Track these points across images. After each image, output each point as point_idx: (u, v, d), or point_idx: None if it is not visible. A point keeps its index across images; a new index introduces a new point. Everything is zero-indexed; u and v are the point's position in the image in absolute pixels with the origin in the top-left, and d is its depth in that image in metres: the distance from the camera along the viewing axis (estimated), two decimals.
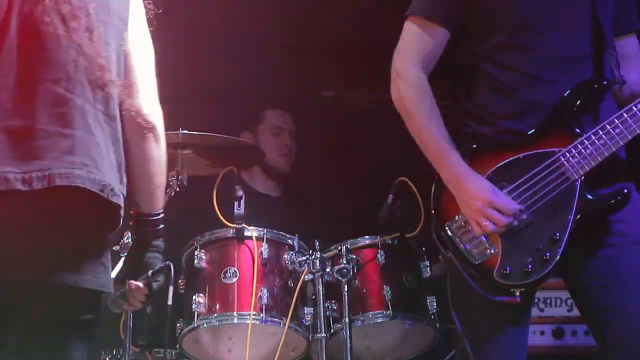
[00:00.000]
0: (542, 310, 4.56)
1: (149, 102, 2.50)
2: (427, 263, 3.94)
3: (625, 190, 2.92)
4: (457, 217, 2.99)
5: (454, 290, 3.04)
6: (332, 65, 5.08)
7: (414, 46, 3.11)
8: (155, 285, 2.60)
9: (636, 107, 2.91)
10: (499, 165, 2.99)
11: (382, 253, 3.92)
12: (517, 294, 2.90)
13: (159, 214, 2.57)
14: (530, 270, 2.89)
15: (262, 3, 4.91)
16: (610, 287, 2.95)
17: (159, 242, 2.59)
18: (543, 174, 2.95)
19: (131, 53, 2.49)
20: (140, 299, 2.61)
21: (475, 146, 3.05)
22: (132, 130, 2.46)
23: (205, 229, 3.93)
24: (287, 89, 5.11)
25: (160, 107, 2.59)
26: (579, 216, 2.90)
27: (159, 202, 2.56)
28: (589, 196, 2.93)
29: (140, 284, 2.56)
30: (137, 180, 2.49)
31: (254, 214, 3.98)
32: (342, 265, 3.83)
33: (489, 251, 2.94)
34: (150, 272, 2.56)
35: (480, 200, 2.91)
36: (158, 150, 2.50)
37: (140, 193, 2.52)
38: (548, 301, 4.59)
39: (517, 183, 2.96)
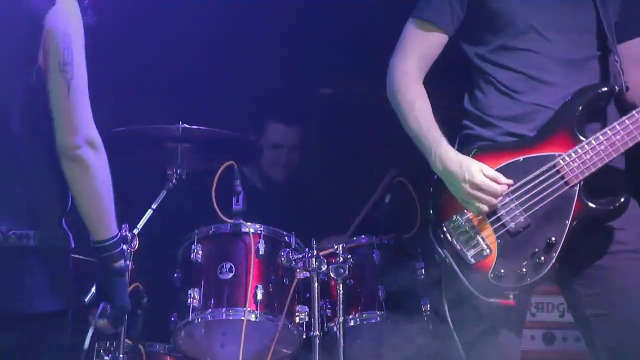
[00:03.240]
0: (533, 315, 4.58)
1: (72, 134, 2.44)
2: (422, 264, 3.95)
3: (623, 199, 2.94)
4: (454, 217, 3.00)
5: (448, 290, 3.05)
6: (330, 63, 5.07)
7: (409, 46, 3.17)
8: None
9: (638, 114, 2.93)
10: (498, 167, 3.00)
11: (378, 253, 3.95)
12: (511, 296, 2.91)
13: (111, 239, 2.56)
14: (524, 273, 2.91)
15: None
16: (605, 295, 2.97)
17: (119, 265, 2.59)
18: (542, 178, 2.96)
19: (49, 88, 2.43)
20: (109, 332, 2.71)
21: (475, 147, 3.07)
22: (64, 165, 2.46)
23: (203, 224, 3.94)
24: (285, 85, 5.11)
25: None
26: (575, 222, 2.92)
27: (109, 228, 2.55)
28: (587, 202, 2.94)
29: (103, 321, 2.62)
30: (81, 211, 2.51)
31: (253, 210, 3.99)
32: (338, 264, 3.83)
33: (484, 252, 2.95)
34: (109, 307, 2.61)
35: (467, 183, 2.94)
36: (90, 180, 2.47)
37: (87, 222, 2.53)
38: (540, 306, 4.61)
39: (516, 186, 2.97)
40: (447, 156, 3.01)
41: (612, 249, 2.98)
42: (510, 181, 2.95)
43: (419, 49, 3.17)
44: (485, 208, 2.94)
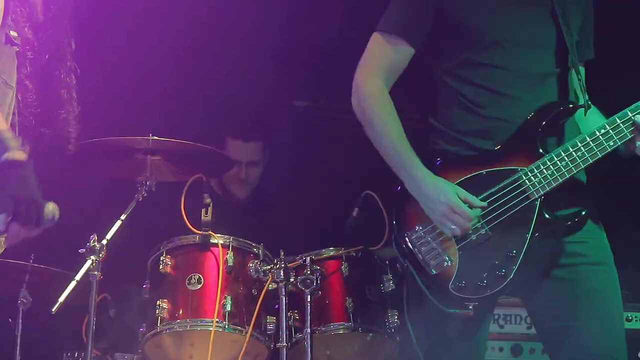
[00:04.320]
0: (501, 326, 4.63)
1: None
2: (390, 276, 3.97)
3: (583, 213, 2.98)
4: (416, 228, 3.04)
5: (410, 300, 3.10)
6: (305, 75, 5.12)
7: (376, 59, 3.18)
8: None
9: (599, 132, 2.97)
10: (461, 179, 3.04)
11: (346, 265, 3.98)
12: (471, 307, 2.95)
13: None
14: (484, 285, 2.95)
15: (236, 11, 4.95)
16: (566, 307, 3.00)
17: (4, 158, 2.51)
18: (504, 191, 3.00)
19: None
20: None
21: (439, 160, 3.10)
22: None
23: (172, 235, 3.96)
24: (260, 96, 5.15)
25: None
26: (536, 234, 2.96)
27: None
28: (547, 216, 2.98)
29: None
30: None
31: (222, 221, 4.02)
32: (306, 275, 3.87)
33: (446, 263, 2.99)
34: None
35: (444, 205, 2.96)
36: None
37: None
38: (508, 318, 4.65)
39: (478, 198, 2.99)
40: (423, 178, 3.03)
41: (572, 261, 3.02)
42: (484, 204, 2.98)
43: (385, 62, 3.18)
44: (458, 231, 2.96)
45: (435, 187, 3.00)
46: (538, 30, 3.13)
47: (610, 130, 2.96)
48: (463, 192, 2.98)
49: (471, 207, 2.97)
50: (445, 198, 2.96)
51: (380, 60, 3.18)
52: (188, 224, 3.89)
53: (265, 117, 4.99)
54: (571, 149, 2.99)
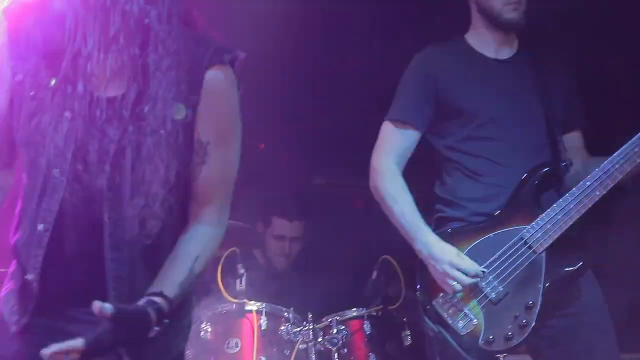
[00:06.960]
0: None
1: None
2: (408, 332, 4.20)
3: (582, 262, 3.26)
4: (442, 294, 3.29)
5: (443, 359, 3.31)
6: (322, 157, 5.46)
7: (387, 144, 3.49)
8: None
9: (584, 184, 3.25)
10: (472, 245, 3.32)
11: (368, 323, 4.22)
12: (501, 358, 3.21)
13: None
14: (511, 336, 3.20)
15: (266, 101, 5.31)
16: (568, 352, 3.29)
17: None
18: (512, 250, 3.27)
19: None
20: None
21: (450, 230, 3.39)
22: None
23: (210, 304, 4.21)
24: (285, 176, 5.48)
25: None
26: (548, 284, 3.23)
27: None
28: (555, 265, 3.24)
29: None
30: None
31: (255, 289, 4.31)
32: (332, 335, 4.15)
33: (472, 322, 3.25)
34: None
35: (445, 263, 3.23)
36: None
37: None
38: None
39: (491, 260, 3.27)
40: (430, 242, 3.30)
41: (571, 310, 3.30)
42: (484, 269, 3.24)
43: (395, 146, 3.47)
44: (458, 287, 3.22)
45: (442, 249, 3.28)
46: (523, 107, 3.44)
47: (595, 183, 3.24)
48: (464, 257, 3.26)
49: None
50: (446, 257, 3.24)
51: (391, 145, 3.48)
52: (225, 294, 4.16)
53: (306, 199, 5.31)
54: (564, 203, 3.25)
